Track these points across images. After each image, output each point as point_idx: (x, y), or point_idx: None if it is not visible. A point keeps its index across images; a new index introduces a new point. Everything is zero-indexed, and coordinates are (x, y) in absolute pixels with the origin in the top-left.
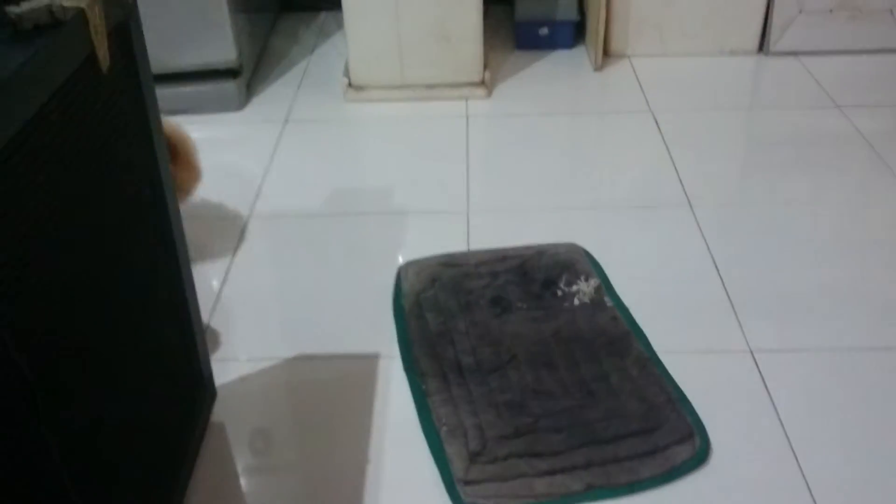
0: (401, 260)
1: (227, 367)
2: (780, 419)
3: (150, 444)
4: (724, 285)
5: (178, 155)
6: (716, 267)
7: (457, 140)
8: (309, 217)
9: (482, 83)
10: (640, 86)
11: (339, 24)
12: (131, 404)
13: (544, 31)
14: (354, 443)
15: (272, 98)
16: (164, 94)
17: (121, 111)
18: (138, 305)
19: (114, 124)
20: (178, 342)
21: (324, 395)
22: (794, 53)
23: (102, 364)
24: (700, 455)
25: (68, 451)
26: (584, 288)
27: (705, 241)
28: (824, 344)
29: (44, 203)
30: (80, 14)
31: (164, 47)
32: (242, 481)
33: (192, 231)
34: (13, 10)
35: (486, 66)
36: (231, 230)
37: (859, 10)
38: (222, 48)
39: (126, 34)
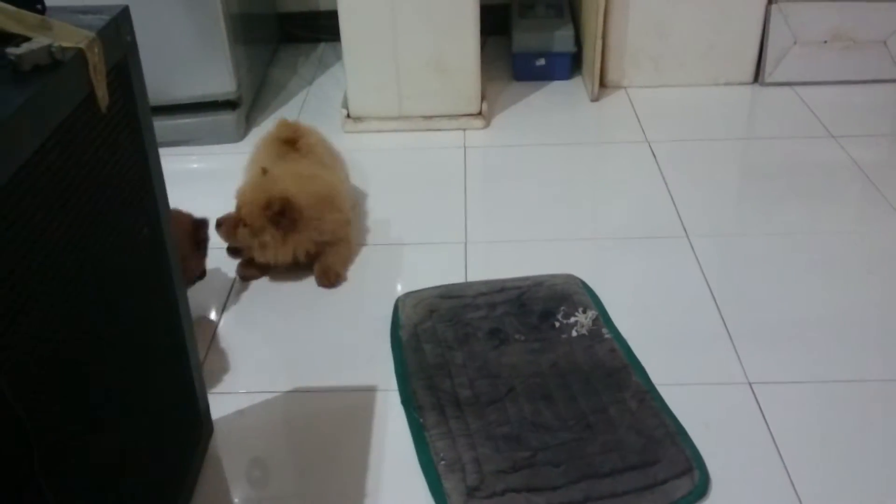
0: (399, 291)
1: (224, 401)
2: (778, 452)
3: (145, 480)
4: (721, 316)
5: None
6: (713, 298)
7: (455, 171)
8: None
9: (480, 114)
10: (637, 116)
11: (338, 56)
12: (127, 441)
13: (541, 62)
14: (352, 477)
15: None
16: (163, 125)
17: (119, 150)
18: (135, 343)
19: (112, 163)
20: (175, 378)
21: (321, 429)
22: (790, 84)
23: (98, 402)
24: (699, 489)
25: (62, 489)
26: (582, 319)
27: (702, 271)
28: (823, 375)
29: (41, 242)
30: (80, 54)
31: (163, 79)
32: None
33: None
34: (13, 51)
35: (483, 97)
36: (230, 262)
37: (853, 42)
38: (222, 80)
39: (125, 73)
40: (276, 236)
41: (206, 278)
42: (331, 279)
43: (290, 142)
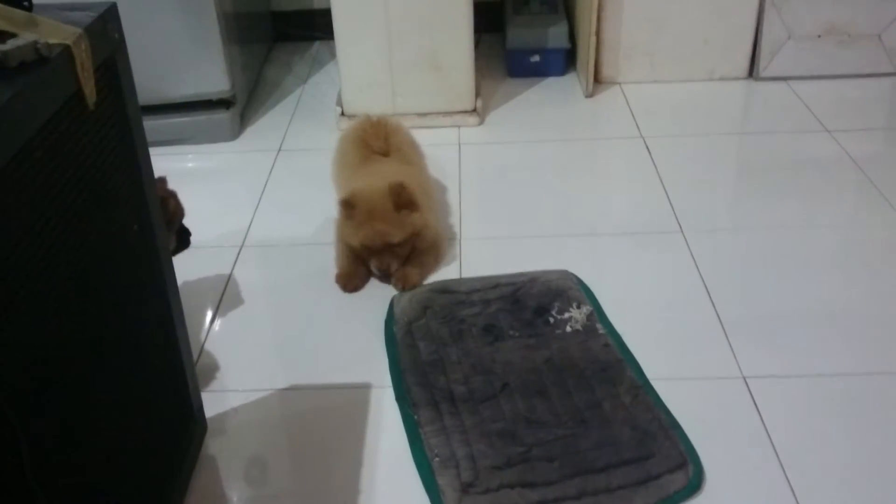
0: (393, 288)
1: (219, 399)
2: (773, 446)
3: (139, 479)
4: (716, 311)
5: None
6: (708, 293)
7: (449, 167)
8: (301, 246)
9: (474, 111)
10: (632, 112)
11: (333, 54)
12: (118, 440)
13: (536, 58)
14: (346, 474)
15: (266, 128)
16: (158, 124)
17: (108, 147)
18: (127, 341)
19: (101, 160)
20: (168, 376)
21: (316, 426)
22: (784, 78)
23: (88, 400)
24: (693, 483)
25: (53, 489)
26: (577, 315)
27: (697, 266)
28: (817, 369)
29: (28, 241)
30: (66, 51)
31: (158, 78)
32: None
33: (183, 262)
34: None
35: (478, 94)
36: (224, 260)
37: (848, 36)
38: (216, 78)
39: (113, 69)
40: (418, 216)
41: (200, 276)
42: (406, 286)
43: (378, 141)
